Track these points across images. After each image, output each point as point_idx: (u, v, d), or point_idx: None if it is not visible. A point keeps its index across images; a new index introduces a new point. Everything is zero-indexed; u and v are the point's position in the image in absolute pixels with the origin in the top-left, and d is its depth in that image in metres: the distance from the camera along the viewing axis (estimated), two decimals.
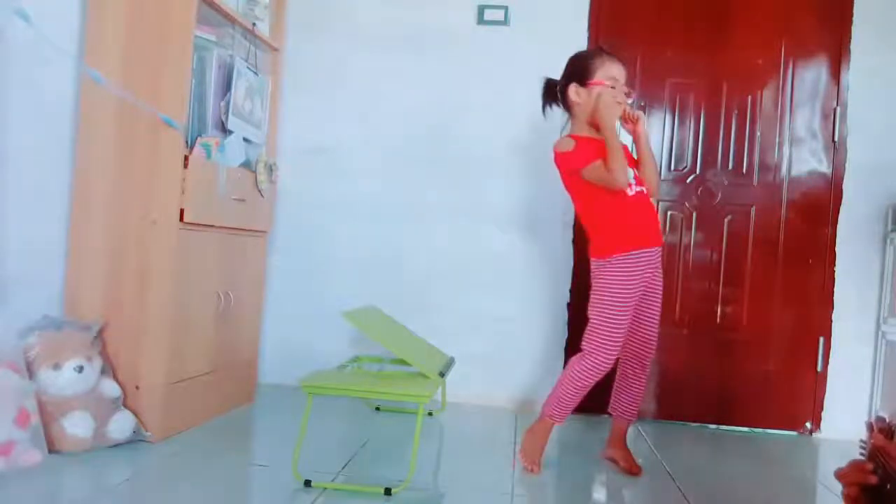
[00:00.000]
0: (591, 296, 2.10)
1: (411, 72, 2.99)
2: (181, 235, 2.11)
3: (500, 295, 2.94)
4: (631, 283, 2.05)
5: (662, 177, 2.92)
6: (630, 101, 2.13)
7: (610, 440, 2.23)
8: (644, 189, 2.11)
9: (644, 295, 2.10)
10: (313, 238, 3.02)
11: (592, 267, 2.13)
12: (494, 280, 2.95)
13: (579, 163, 2.05)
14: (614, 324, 2.04)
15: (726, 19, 2.89)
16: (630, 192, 2.07)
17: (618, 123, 2.13)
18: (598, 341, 2.05)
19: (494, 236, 2.95)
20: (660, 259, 2.14)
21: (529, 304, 2.93)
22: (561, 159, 2.10)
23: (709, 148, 2.90)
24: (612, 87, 2.06)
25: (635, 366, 2.17)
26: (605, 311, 2.05)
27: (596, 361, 2.05)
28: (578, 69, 2.11)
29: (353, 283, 2.97)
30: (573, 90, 2.10)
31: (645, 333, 2.14)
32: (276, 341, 2.97)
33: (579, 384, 2.07)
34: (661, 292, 2.16)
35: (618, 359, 2.14)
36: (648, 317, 2.14)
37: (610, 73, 2.07)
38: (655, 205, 2.85)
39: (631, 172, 2.08)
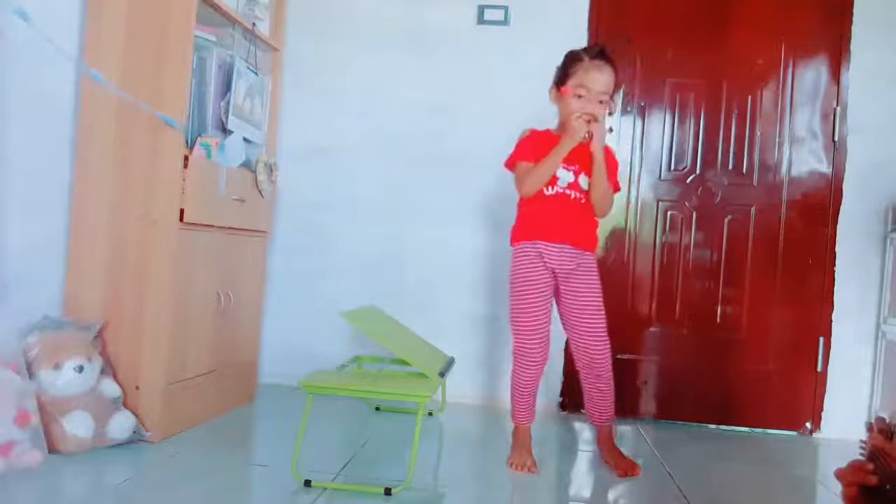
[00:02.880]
0: None
1: (411, 72, 2.99)
2: (181, 235, 2.11)
3: (500, 295, 2.94)
4: (526, 274, 2.09)
5: (663, 177, 2.92)
6: (606, 111, 2.07)
7: (600, 445, 2.24)
8: (576, 195, 2.09)
9: (573, 303, 2.12)
10: (313, 238, 3.02)
11: None
12: (494, 280, 2.94)
13: (513, 157, 2.14)
14: (524, 313, 2.09)
15: (726, 19, 2.89)
16: (548, 192, 2.08)
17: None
18: (514, 333, 2.13)
19: (494, 236, 2.94)
20: (582, 265, 2.11)
21: None
22: (513, 150, 2.17)
23: (709, 148, 2.90)
24: (580, 97, 2.02)
25: (588, 374, 2.17)
26: (513, 300, 2.13)
27: (520, 353, 2.12)
28: (560, 70, 2.11)
29: (354, 283, 2.97)
30: (552, 90, 2.13)
31: (581, 336, 2.13)
32: (276, 341, 2.97)
33: (519, 382, 2.15)
34: (590, 293, 2.12)
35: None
36: (579, 318, 2.12)
37: (582, 80, 2.02)
38: (655, 205, 2.89)
39: (569, 178, 2.08)
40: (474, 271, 2.96)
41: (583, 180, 2.10)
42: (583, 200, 2.11)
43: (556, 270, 2.11)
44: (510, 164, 2.16)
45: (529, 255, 2.10)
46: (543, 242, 2.09)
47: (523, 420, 2.18)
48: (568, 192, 2.09)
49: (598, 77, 2.02)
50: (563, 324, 2.19)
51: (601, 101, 2.03)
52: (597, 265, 2.17)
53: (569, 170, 2.09)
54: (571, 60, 2.07)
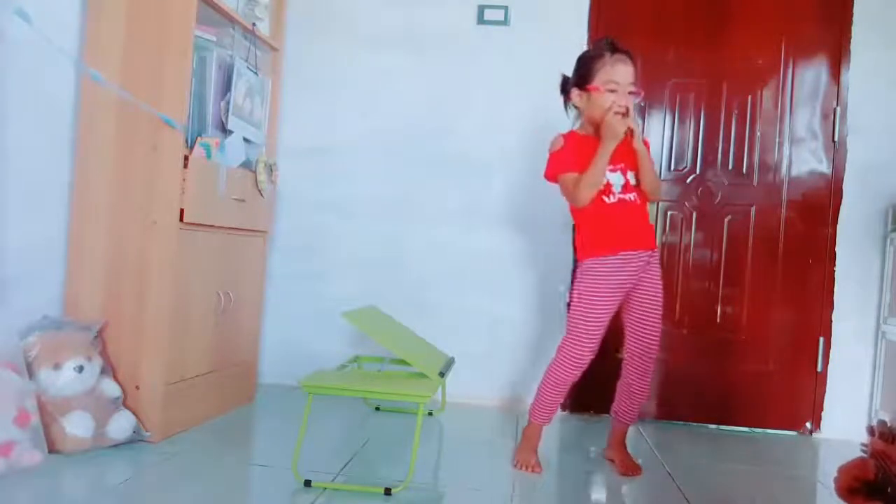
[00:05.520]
0: (572, 295, 2.12)
1: (411, 72, 2.99)
2: (181, 235, 2.11)
3: (500, 295, 2.94)
4: (605, 287, 2.06)
5: (663, 177, 2.92)
6: (636, 100, 2.06)
7: (610, 441, 2.24)
8: (632, 196, 2.08)
9: (640, 298, 2.11)
10: (313, 238, 3.02)
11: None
12: (494, 280, 2.95)
13: (554, 169, 2.10)
14: (588, 325, 2.06)
15: (726, 19, 2.89)
16: (609, 200, 2.06)
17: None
18: (571, 340, 2.09)
19: (494, 236, 2.95)
20: (651, 262, 2.11)
21: (529, 304, 2.93)
22: (548, 161, 2.12)
23: (709, 148, 2.90)
24: (613, 91, 2.00)
25: (637, 371, 2.15)
26: (580, 312, 2.08)
27: (569, 360, 2.09)
28: (580, 71, 2.08)
29: (353, 283, 2.97)
30: (575, 93, 2.10)
31: (645, 337, 2.12)
32: (276, 341, 2.97)
33: (557, 383, 2.12)
34: (659, 296, 2.13)
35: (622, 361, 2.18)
36: (647, 320, 2.11)
37: (610, 76, 2.01)
38: (656, 206, 2.89)
39: (620, 180, 2.07)
40: (474, 271, 2.95)
41: (630, 177, 2.09)
42: (639, 201, 2.10)
43: (633, 276, 2.08)
44: (552, 176, 2.11)
45: (608, 269, 2.06)
46: (624, 253, 2.05)
47: (544, 420, 2.16)
48: (625, 196, 2.07)
49: (624, 70, 2.02)
50: (625, 318, 2.15)
51: (630, 93, 2.03)
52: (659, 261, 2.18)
53: (615, 171, 2.06)
54: (592, 59, 2.06)
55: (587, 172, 2.02)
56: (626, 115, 2.00)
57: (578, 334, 2.07)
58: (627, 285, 2.08)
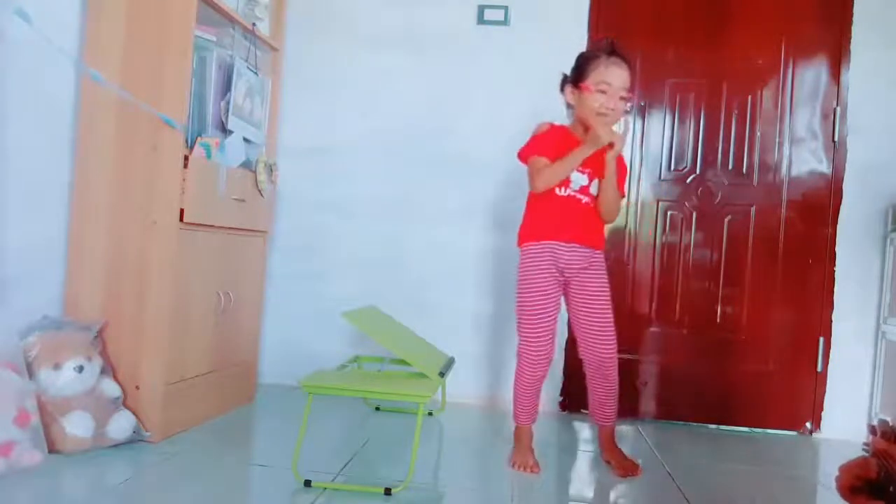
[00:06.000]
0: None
1: (411, 72, 2.99)
2: (181, 235, 2.11)
3: (500, 295, 2.94)
4: (538, 273, 2.09)
5: (663, 177, 2.92)
6: (627, 106, 2.06)
7: (601, 444, 2.25)
8: (585, 199, 2.09)
9: (584, 296, 2.12)
10: (313, 238, 3.02)
11: None
12: (494, 280, 2.95)
13: (528, 150, 2.12)
14: (531, 314, 2.10)
15: (726, 19, 2.89)
16: (560, 192, 2.08)
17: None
18: (521, 334, 2.14)
19: (494, 236, 2.95)
20: (594, 261, 2.12)
21: None
22: (527, 141, 2.14)
23: (709, 148, 2.90)
24: (603, 92, 2.00)
25: (595, 372, 2.16)
26: (521, 301, 2.13)
27: (526, 354, 2.13)
28: (576, 69, 2.09)
29: (353, 283, 2.97)
30: (568, 90, 2.11)
31: (592, 337, 2.12)
32: (276, 341, 2.97)
33: (526, 385, 2.15)
34: (605, 294, 2.12)
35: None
36: (593, 319, 2.12)
37: (603, 77, 2.01)
38: (656, 205, 2.89)
39: (582, 181, 2.07)
40: (474, 271, 2.95)
41: (594, 186, 2.10)
42: (592, 205, 2.12)
43: (567, 271, 2.11)
44: (524, 155, 2.13)
45: (539, 256, 2.10)
46: (554, 242, 2.08)
47: (525, 420, 2.18)
48: (579, 196, 2.09)
49: (618, 73, 2.02)
50: (573, 323, 2.18)
51: (622, 97, 2.02)
52: (605, 264, 2.18)
53: (583, 173, 2.08)
54: (588, 59, 2.07)
55: (555, 163, 2.03)
56: (606, 115, 2.00)
57: (525, 327, 2.11)
58: (562, 277, 2.10)
